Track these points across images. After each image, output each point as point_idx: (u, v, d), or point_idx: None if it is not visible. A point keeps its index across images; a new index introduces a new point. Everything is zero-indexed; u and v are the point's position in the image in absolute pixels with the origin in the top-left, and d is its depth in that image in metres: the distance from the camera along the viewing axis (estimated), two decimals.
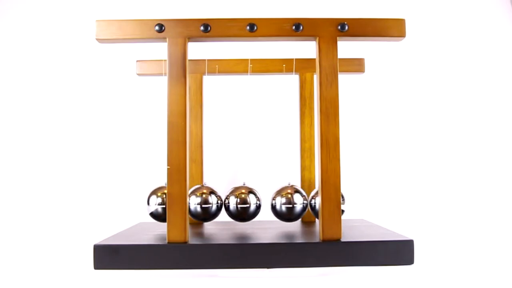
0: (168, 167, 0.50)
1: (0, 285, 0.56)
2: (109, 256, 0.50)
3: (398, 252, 0.50)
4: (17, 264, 0.65)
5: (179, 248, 0.50)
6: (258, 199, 0.58)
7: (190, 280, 0.55)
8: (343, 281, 0.55)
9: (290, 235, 0.55)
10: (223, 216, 0.59)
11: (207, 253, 0.50)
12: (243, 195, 0.57)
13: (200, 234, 0.57)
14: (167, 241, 0.50)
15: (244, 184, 0.59)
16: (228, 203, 0.57)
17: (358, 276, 0.57)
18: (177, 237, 0.50)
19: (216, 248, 0.50)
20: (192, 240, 0.52)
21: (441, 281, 0.55)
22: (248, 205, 0.57)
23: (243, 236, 0.55)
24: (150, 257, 0.50)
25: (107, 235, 0.58)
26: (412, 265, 0.51)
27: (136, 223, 0.68)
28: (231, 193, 0.58)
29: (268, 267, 0.51)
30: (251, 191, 0.58)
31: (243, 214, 0.57)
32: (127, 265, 0.50)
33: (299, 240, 0.52)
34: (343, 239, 0.51)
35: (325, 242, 0.50)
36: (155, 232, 0.58)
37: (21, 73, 0.80)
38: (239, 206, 0.57)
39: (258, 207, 0.58)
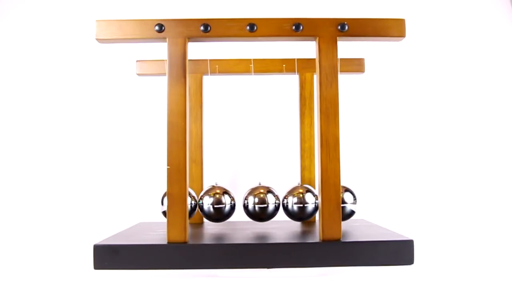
0: (168, 167, 0.50)
1: (0, 285, 0.56)
2: (109, 256, 0.50)
3: (398, 252, 0.50)
4: (17, 264, 0.65)
5: (179, 248, 0.50)
6: (277, 198, 0.58)
7: (190, 280, 0.55)
8: (343, 281, 0.55)
9: (290, 235, 0.55)
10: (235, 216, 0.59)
11: (207, 253, 0.50)
12: (261, 195, 0.57)
13: (200, 234, 0.57)
14: (167, 241, 0.50)
15: (260, 184, 0.59)
16: (247, 203, 0.57)
17: (358, 276, 0.56)
18: (177, 237, 0.50)
19: (216, 248, 0.50)
20: (192, 240, 0.52)
21: (441, 281, 0.55)
22: (266, 205, 0.57)
23: (243, 236, 0.55)
24: (150, 257, 0.50)
25: (107, 235, 0.58)
26: (412, 265, 0.51)
27: (136, 223, 0.68)
28: (249, 193, 0.58)
29: (268, 267, 0.51)
30: (269, 191, 0.58)
31: (261, 215, 0.57)
32: (127, 265, 0.50)
33: (299, 240, 0.52)
34: (343, 239, 0.51)
35: (325, 242, 0.50)
36: (155, 232, 0.58)
37: (21, 73, 0.80)
38: (257, 206, 0.57)
39: (277, 207, 0.57)
